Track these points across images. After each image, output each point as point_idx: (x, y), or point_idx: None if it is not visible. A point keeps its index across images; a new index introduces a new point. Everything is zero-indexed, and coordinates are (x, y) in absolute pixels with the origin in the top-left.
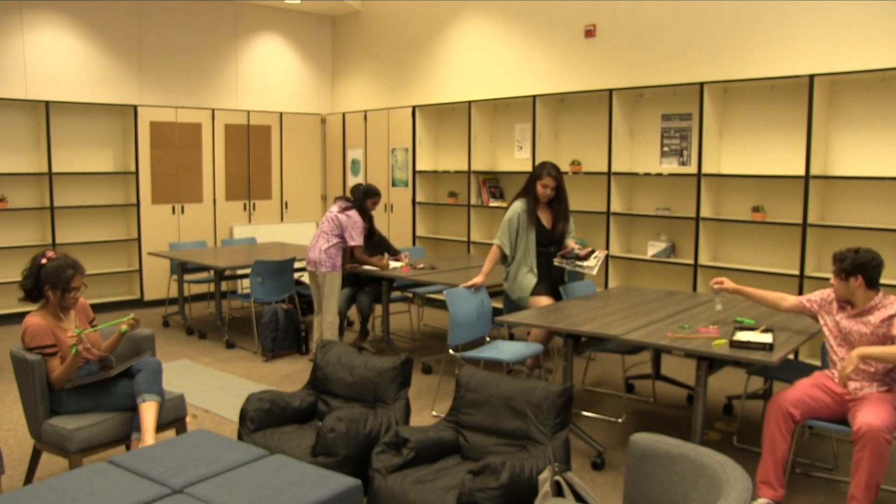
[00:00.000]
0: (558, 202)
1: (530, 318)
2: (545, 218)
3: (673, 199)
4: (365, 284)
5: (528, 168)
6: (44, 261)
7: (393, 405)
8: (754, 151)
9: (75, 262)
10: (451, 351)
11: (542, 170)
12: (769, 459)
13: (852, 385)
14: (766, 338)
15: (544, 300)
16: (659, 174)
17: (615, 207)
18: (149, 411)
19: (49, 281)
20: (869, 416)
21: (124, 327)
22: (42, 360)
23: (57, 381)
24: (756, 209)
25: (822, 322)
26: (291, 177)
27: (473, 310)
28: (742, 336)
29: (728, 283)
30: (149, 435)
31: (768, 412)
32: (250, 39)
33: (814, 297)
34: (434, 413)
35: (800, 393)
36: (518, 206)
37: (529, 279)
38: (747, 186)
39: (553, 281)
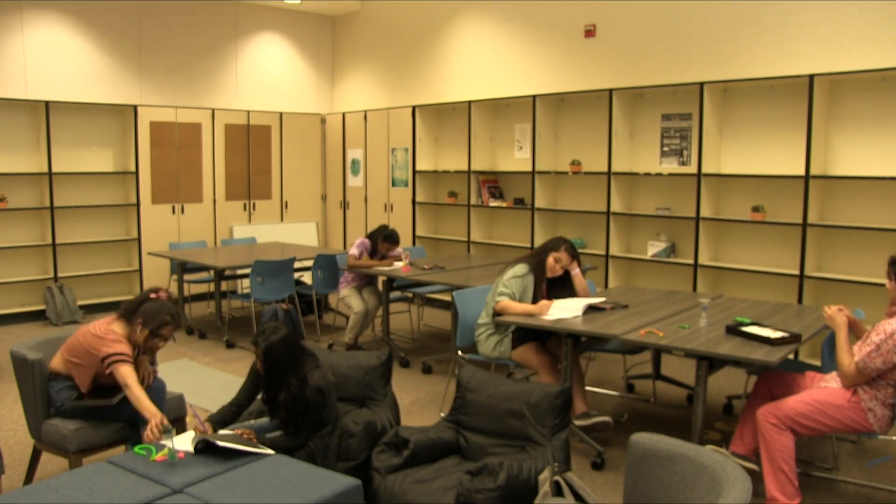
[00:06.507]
0: (561, 286)
1: (530, 321)
2: (540, 298)
3: (673, 199)
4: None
5: (528, 168)
6: (153, 295)
7: (384, 401)
8: (754, 151)
9: (177, 313)
10: (459, 353)
11: (560, 243)
12: (781, 469)
13: (823, 376)
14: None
15: (531, 350)
16: (659, 174)
17: (615, 207)
18: None
19: (145, 317)
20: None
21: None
22: (42, 361)
23: (89, 387)
24: (756, 209)
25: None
26: (291, 177)
27: (481, 311)
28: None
29: (847, 312)
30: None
31: (761, 421)
32: (250, 39)
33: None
34: (443, 415)
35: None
36: (522, 270)
37: (506, 342)
38: (747, 186)
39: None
